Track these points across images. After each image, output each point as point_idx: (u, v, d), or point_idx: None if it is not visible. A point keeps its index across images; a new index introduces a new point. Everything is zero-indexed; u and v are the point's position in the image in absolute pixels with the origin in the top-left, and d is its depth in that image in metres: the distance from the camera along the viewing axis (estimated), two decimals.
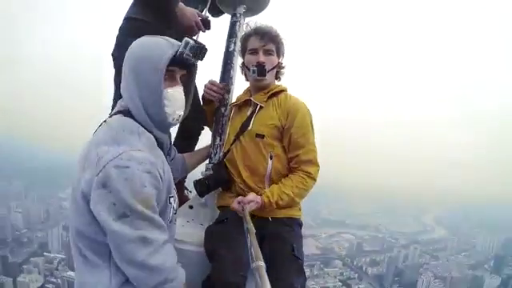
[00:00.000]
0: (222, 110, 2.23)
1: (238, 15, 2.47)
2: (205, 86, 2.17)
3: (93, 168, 1.11)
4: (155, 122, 1.30)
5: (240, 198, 1.69)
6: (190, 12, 2.17)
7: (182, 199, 2.26)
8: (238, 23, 2.44)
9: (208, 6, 2.44)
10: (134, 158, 1.12)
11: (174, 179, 1.50)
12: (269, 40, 1.98)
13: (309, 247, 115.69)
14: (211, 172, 2.07)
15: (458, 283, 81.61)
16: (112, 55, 2.18)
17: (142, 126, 1.27)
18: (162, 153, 1.36)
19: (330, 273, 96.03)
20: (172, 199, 1.37)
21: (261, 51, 2.00)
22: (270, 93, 2.03)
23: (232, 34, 2.45)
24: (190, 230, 2.04)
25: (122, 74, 1.32)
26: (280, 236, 1.76)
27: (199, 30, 2.22)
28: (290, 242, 1.72)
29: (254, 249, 1.11)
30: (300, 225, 2.00)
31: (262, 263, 1.03)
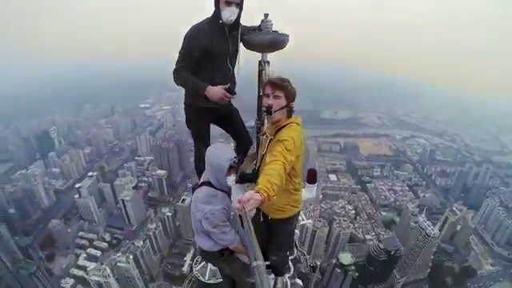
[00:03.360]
0: (260, 136, 3.55)
1: (263, 63, 3.39)
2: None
3: (200, 213, 2.80)
4: (223, 188, 2.91)
5: (239, 196, 2.00)
6: (215, 91, 3.29)
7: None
8: (263, 71, 3.39)
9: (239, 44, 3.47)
10: (216, 210, 2.76)
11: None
12: (277, 88, 2.82)
13: (382, 147, 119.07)
14: (250, 173, 3.73)
15: None
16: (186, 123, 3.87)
17: (217, 189, 2.89)
18: (227, 198, 2.98)
19: (399, 176, 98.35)
20: (232, 213, 2.98)
21: (271, 96, 2.85)
22: (277, 128, 2.94)
23: (260, 81, 3.45)
24: None
25: (206, 162, 2.92)
26: (274, 231, 3.49)
27: (228, 98, 3.40)
28: (279, 235, 3.51)
29: (255, 249, 1.33)
30: (291, 218, 3.40)
31: (261, 262, 1.23)
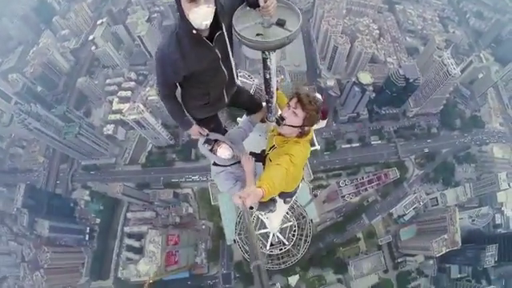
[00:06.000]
0: (270, 115, 3.96)
1: (267, 53, 2.81)
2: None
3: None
4: (223, 163, 3.64)
5: (240, 192, 2.01)
6: (193, 131, 3.60)
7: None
8: (268, 59, 2.89)
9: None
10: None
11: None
12: (301, 107, 2.66)
13: None
14: (259, 154, 3.50)
15: None
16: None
17: (220, 166, 3.72)
18: (225, 173, 3.63)
19: (431, 4, 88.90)
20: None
21: (291, 109, 2.73)
22: (285, 142, 2.90)
23: (266, 66, 3.01)
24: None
25: None
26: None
27: (202, 134, 3.63)
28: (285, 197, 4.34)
29: (254, 248, 1.23)
30: (294, 190, 3.82)
31: (261, 262, 1.13)
